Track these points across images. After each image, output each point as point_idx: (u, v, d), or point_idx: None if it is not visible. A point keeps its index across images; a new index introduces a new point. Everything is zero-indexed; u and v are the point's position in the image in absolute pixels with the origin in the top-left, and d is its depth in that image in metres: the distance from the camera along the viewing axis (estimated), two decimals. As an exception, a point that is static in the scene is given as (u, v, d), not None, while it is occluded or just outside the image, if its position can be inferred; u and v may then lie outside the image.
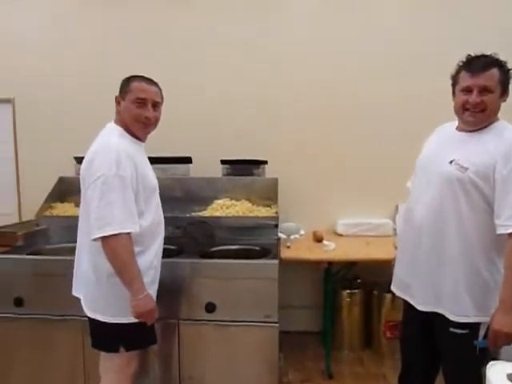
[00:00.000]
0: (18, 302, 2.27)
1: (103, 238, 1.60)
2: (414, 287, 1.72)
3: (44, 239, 2.70)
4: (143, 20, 3.22)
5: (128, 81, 1.79)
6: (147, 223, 1.75)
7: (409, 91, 3.08)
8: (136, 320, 1.72)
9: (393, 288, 1.85)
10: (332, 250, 2.62)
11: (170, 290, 2.18)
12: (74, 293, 1.88)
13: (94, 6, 3.26)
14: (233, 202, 2.81)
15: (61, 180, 3.02)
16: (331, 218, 3.16)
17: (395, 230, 3.03)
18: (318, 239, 2.82)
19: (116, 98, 1.80)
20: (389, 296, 2.87)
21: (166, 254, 2.38)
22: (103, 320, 1.74)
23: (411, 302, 1.74)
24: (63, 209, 2.86)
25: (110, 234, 1.58)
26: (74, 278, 1.90)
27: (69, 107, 3.28)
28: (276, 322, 2.17)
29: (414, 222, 1.68)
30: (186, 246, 2.53)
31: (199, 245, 2.58)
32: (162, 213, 1.92)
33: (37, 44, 3.30)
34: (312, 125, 3.17)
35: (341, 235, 3.06)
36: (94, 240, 1.62)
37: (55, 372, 2.31)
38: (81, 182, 1.76)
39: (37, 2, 3.29)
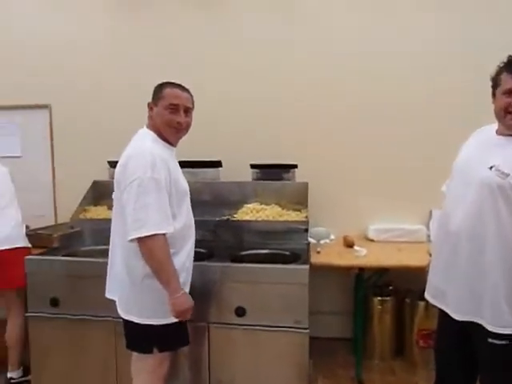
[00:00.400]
0: (54, 303, 2.34)
1: (140, 239, 1.63)
2: (449, 295, 1.66)
3: (78, 241, 2.77)
4: (175, 25, 3.27)
5: (161, 87, 1.83)
6: (179, 225, 1.78)
7: (439, 91, 3.00)
8: (169, 321, 1.76)
9: (427, 296, 1.80)
10: (363, 256, 2.57)
11: (201, 293, 2.18)
12: (108, 295, 1.92)
13: (127, 13, 3.34)
14: (263, 206, 2.80)
15: (95, 184, 3.10)
16: (362, 223, 3.11)
17: (429, 236, 2.95)
18: (349, 244, 2.78)
19: (148, 104, 1.85)
20: (422, 304, 2.79)
21: (197, 257, 2.40)
22: (137, 321, 1.77)
23: (446, 311, 1.68)
24: (97, 212, 2.93)
25: (146, 235, 1.61)
26: (107, 281, 1.94)
27: (103, 113, 3.36)
28: (306, 328, 2.15)
29: (451, 228, 1.63)
30: (217, 249, 2.55)
31: (229, 248, 2.59)
32: (192, 216, 1.95)
33: (73, 52, 3.40)
34: (343, 128, 3.13)
35: (372, 241, 3.00)
36: (131, 241, 1.66)
37: (88, 371, 2.36)
38: (115, 186, 1.80)
39: (73, 10, 3.39)
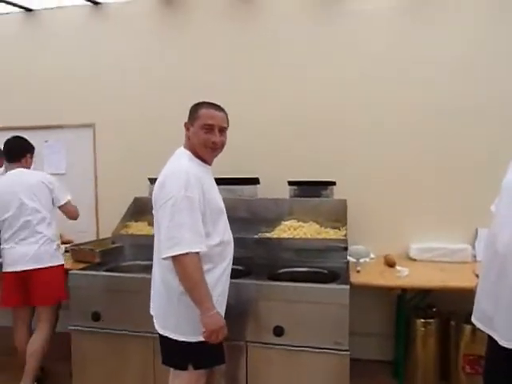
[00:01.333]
0: (96, 317, 2.38)
1: (173, 258, 1.65)
2: (497, 320, 1.57)
3: (120, 256, 2.83)
4: (215, 45, 3.34)
5: (196, 107, 1.88)
6: (214, 243, 1.79)
7: (489, 104, 2.89)
8: (200, 340, 1.74)
9: (473, 320, 1.71)
10: (405, 276, 2.49)
11: (238, 312, 2.18)
12: (152, 311, 1.93)
13: (168, 35, 3.45)
14: (300, 223, 2.78)
15: (136, 200, 3.17)
16: (403, 242, 3.01)
17: (474, 256, 2.82)
18: (390, 264, 2.70)
19: (185, 124, 1.89)
20: (468, 327, 2.65)
21: (234, 274, 2.39)
22: (173, 337, 1.78)
23: (494, 337, 1.59)
24: (137, 227, 3.00)
25: (180, 254, 1.63)
26: (152, 296, 1.96)
27: (144, 131, 3.46)
28: (347, 350, 2.09)
29: (498, 248, 1.55)
30: (254, 266, 2.54)
31: (266, 265, 2.57)
32: (230, 234, 1.95)
33: (117, 73, 3.54)
34: (383, 144, 3.07)
35: (414, 260, 2.90)
36: (164, 259, 1.68)
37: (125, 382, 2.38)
38: (153, 203, 1.84)
39: (119, 34, 3.55)
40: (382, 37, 3.06)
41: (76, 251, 2.98)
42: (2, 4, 3.55)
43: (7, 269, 2.61)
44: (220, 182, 2.98)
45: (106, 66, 3.57)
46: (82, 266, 2.70)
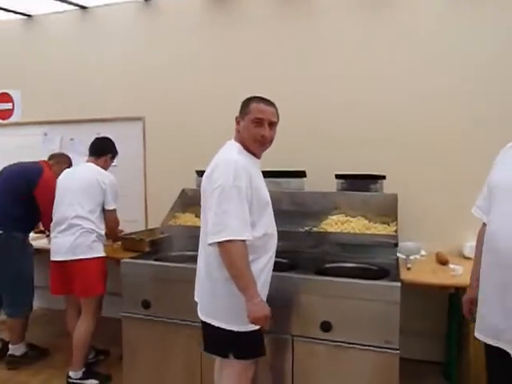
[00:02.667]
0: (146, 305, 2.45)
1: (219, 244, 1.68)
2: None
3: (168, 246, 2.89)
4: (266, 37, 3.32)
5: (248, 102, 1.90)
6: (259, 234, 1.80)
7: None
8: (246, 329, 1.78)
9: (479, 336, 1.58)
10: (459, 275, 2.38)
11: (285, 305, 2.17)
12: (196, 298, 1.98)
13: (219, 27, 3.46)
14: (348, 217, 2.72)
15: (183, 192, 3.23)
16: (457, 239, 2.88)
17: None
18: (443, 262, 2.59)
19: (236, 118, 1.93)
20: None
21: (279, 267, 2.39)
22: (216, 325, 1.82)
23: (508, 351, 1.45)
24: (185, 218, 3.05)
25: (225, 240, 1.65)
26: (196, 284, 2.00)
27: (192, 124, 3.50)
28: (397, 349, 2.03)
29: (502, 254, 1.44)
30: (299, 260, 2.52)
31: (312, 259, 2.55)
32: (275, 227, 1.96)
33: (166, 66, 3.61)
34: (437, 138, 2.94)
35: (468, 258, 2.76)
36: (210, 245, 1.71)
37: (174, 372, 2.44)
38: (201, 194, 1.87)
39: (169, 30, 3.60)
40: (433, 31, 2.94)
41: (126, 240, 3.08)
42: (58, 3, 3.70)
43: (51, 257, 2.75)
44: (266, 174, 2.96)
45: (155, 60, 3.64)
46: (132, 254, 2.79)
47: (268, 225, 1.88)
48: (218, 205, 1.68)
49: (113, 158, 2.97)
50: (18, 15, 4.05)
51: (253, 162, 1.89)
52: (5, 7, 3.83)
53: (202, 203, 1.90)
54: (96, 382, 2.77)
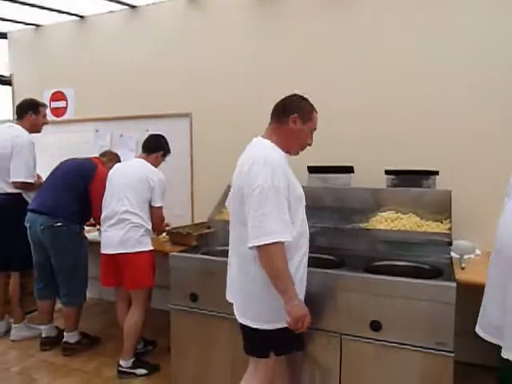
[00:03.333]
0: (193, 298, 2.49)
1: (260, 247, 1.66)
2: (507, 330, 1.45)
3: (215, 241, 2.92)
4: (307, 33, 3.28)
5: (311, 109, 1.93)
6: (294, 233, 1.77)
7: None
8: (285, 325, 1.76)
9: (480, 331, 1.65)
10: (519, 277, 2.24)
11: (333, 303, 2.14)
12: (229, 298, 1.99)
13: (263, 24, 3.45)
14: (398, 214, 2.63)
15: (229, 187, 3.22)
16: (515, 239, 2.73)
17: None
18: (500, 262, 2.46)
19: (293, 116, 1.86)
20: None
21: (326, 264, 2.36)
22: (254, 327, 1.81)
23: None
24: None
25: (266, 243, 1.64)
26: (227, 284, 2.00)
27: (237, 120, 3.51)
28: (451, 352, 1.95)
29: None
30: (347, 257, 2.47)
31: (360, 257, 2.49)
32: (306, 224, 1.92)
33: (211, 63, 3.64)
34: (492, 130, 2.79)
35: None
36: (251, 248, 1.69)
37: (220, 364, 2.46)
38: (234, 190, 1.85)
39: (214, 26, 3.63)
40: (488, 23, 2.80)
41: (174, 234, 3.14)
42: (109, 3, 3.81)
43: (101, 250, 2.84)
44: (313, 170, 2.96)
45: (202, 57, 3.68)
46: (179, 248, 2.84)
47: (301, 222, 1.85)
48: (258, 206, 1.66)
49: (164, 155, 3.03)
50: (71, 16, 4.22)
51: (285, 158, 1.87)
52: (59, 9, 3.99)
53: (232, 200, 1.89)
54: (145, 371, 2.86)
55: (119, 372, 2.85)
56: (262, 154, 1.76)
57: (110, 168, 3.04)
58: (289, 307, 1.70)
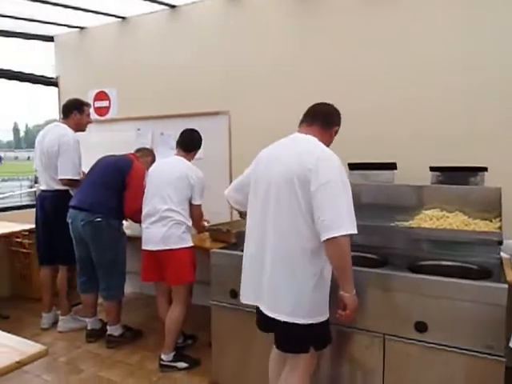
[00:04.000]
0: (234, 294, 2.50)
1: (333, 239, 1.69)
2: None
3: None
4: (345, 28, 3.22)
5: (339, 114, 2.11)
6: None
7: None
8: (324, 319, 1.86)
9: None
10: None
11: (376, 303, 2.10)
12: (248, 299, 2.00)
13: (300, 19, 3.42)
14: (444, 213, 2.54)
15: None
16: None
17: None
18: (554, 263, 2.33)
19: (336, 129, 2.07)
20: None
21: (369, 263, 2.32)
22: (301, 323, 1.81)
23: None
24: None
25: (341, 235, 1.69)
26: (248, 284, 1.99)
27: (275, 118, 3.48)
28: (501, 356, 1.87)
29: None
30: (390, 256, 2.41)
31: (404, 256, 2.42)
32: None
33: (250, 60, 3.64)
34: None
35: None
36: (325, 241, 1.71)
37: (260, 361, 2.43)
38: (286, 184, 1.83)
39: (253, 21, 3.63)
40: None
41: (213, 231, 3.18)
42: (150, 4, 3.89)
43: (143, 246, 2.90)
44: (355, 166, 2.90)
45: (240, 55, 3.69)
46: (219, 245, 2.87)
47: None
48: (332, 200, 1.71)
49: (196, 151, 3.09)
50: (113, 18, 4.33)
51: None
52: (102, 11, 4.11)
53: (266, 194, 1.89)
54: (186, 364, 2.91)
55: (161, 365, 2.91)
56: (326, 150, 1.85)
57: (146, 163, 3.14)
58: (349, 297, 1.80)
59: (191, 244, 2.86)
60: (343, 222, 1.69)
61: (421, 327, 2.00)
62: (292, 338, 1.88)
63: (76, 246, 3.26)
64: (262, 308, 1.91)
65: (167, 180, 2.85)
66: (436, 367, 2.00)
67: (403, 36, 3.03)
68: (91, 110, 3.74)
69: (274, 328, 1.92)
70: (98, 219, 3.07)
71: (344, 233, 1.68)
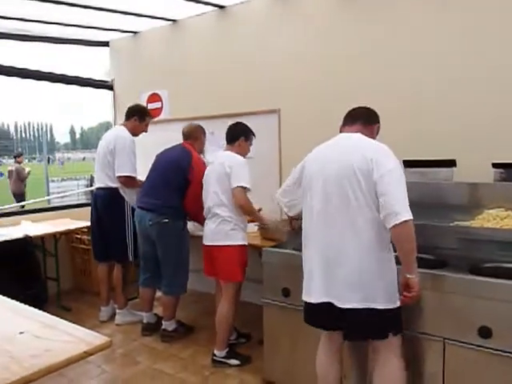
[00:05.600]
0: (286, 293, 2.50)
1: (404, 222, 1.75)
2: None
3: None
4: (399, 24, 3.11)
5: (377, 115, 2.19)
6: None
7: None
8: (399, 304, 1.90)
9: None
10: None
11: (436, 305, 2.03)
12: (319, 298, 1.96)
13: (352, 18, 3.35)
14: (509, 212, 2.40)
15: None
16: None
17: None
18: None
19: (378, 126, 2.18)
20: None
21: (427, 264, 2.23)
22: (380, 307, 1.84)
23: None
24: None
25: (411, 219, 1.76)
26: (318, 283, 1.96)
27: (325, 116, 3.44)
28: None
29: None
30: (449, 258, 2.31)
31: (464, 258, 2.32)
32: None
33: (299, 58, 3.62)
34: None
35: None
36: (400, 224, 1.74)
37: (311, 361, 2.42)
38: (346, 178, 1.86)
39: (302, 19, 3.60)
40: None
41: (264, 230, 3.19)
42: (200, 5, 3.96)
43: (203, 241, 2.99)
44: (411, 164, 2.81)
45: (290, 53, 3.67)
46: (269, 243, 2.88)
47: None
48: (398, 186, 1.79)
49: (247, 139, 3.01)
50: (164, 21, 4.45)
51: None
52: (154, 15, 4.23)
53: (333, 191, 1.90)
54: (238, 362, 2.94)
55: (213, 361, 2.97)
56: (380, 144, 1.95)
57: (202, 145, 3.39)
58: (415, 279, 1.85)
59: (240, 242, 2.86)
60: (408, 207, 1.76)
61: (485, 333, 1.90)
62: (367, 323, 1.88)
63: (142, 244, 3.40)
64: (337, 303, 1.90)
65: (214, 176, 2.91)
66: (501, 375, 1.89)
67: (464, 29, 2.88)
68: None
69: (348, 321, 1.90)
70: (165, 220, 3.18)
71: (411, 217, 1.76)
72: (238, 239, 2.86)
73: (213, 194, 2.89)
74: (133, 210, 3.52)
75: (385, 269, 1.88)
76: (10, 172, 10.42)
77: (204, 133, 3.50)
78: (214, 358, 2.96)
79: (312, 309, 2.02)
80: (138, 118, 3.64)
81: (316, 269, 1.98)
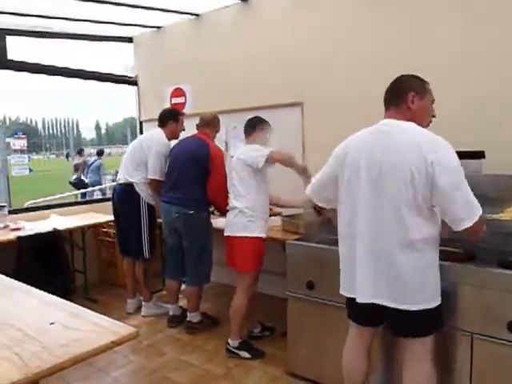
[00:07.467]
0: (310, 286, 2.49)
1: (469, 226, 1.73)
2: None
3: (327, 229, 2.87)
4: (423, 15, 3.03)
5: (425, 83, 1.97)
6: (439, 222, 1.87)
7: None
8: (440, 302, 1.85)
9: None
10: None
11: (463, 299, 1.99)
12: (366, 298, 1.89)
13: (374, 10, 3.28)
14: (541, 205, 2.33)
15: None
16: None
17: None
18: None
19: (413, 94, 1.90)
20: None
21: (453, 257, 2.19)
22: (428, 307, 1.81)
23: None
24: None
25: (481, 214, 1.75)
26: (364, 282, 1.89)
27: (349, 110, 3.40)
28: None
29: None
30: (477, 251, 2.25)
31: (492, 251, 2.25)
32: None
33: (323, 52, 3.57)
34: None
35: None
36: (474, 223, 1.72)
37: (335, 353, 2.42)
38: (396, 174, 1.77)
39: (325, 12, 3.56)
40: None
41: (286, 223, 3.18)
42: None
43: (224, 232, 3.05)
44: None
45: (313, 46, 3.63)
46: (291, 236, 2.88)
47: None
48: (464, 184, 1.74)
49: (263, 129, 3.07)
50: (187, 15, 4.46)
51: None
52: (177, 9, 4.25)
53: (364, 184, 1.85)
54: (248, 355, 2.99)
55: (227, 350, 3.04)
56: (437, 137, 1.80)
57: (216, 132, 3.40)
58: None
59: (257, 235, 2.89)
60: (473, 206, 1.74)
61: (515, 328, 1.85)
62: (413, 323, 1.85)
63: (169, 236, 3.49)
64: (385, 303, 1.84)
65: (234, 169, 2.99)
66: (532, 372, 1.85)
67: (493, 16, 2.79)
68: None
69: (402, 320, 1.86)
70: (191, 212, 3.25)
71: (477, 218, 1.73)
72: (255, 231, 2.89)
73: (232, 186, 3.00)
74: (149, 206, 3.63)
75: (433, 267, 1.84)
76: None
77: (219, 122, 3.54)
78: (228, 347, 3.03)
79: (359, 308, 1.94)
80: (174, 121, 3.71)
81: (362, 266, 1.89)
